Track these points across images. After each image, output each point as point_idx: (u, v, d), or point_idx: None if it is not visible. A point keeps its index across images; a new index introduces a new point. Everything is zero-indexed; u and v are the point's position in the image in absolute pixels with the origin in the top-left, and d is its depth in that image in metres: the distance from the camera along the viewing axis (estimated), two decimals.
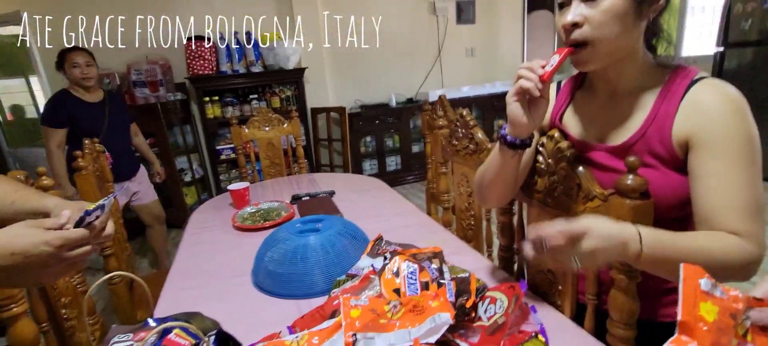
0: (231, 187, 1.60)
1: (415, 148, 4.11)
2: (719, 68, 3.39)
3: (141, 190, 2.41)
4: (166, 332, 0.57)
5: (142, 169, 2.47)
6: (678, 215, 0.69)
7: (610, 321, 0.73)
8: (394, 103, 3.99)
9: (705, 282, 0.41)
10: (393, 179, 3.95)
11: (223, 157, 3.56)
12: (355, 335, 0.67)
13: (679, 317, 0.41)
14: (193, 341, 0.43)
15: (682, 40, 4.01)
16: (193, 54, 3.24)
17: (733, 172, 0.60)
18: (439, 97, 1.82)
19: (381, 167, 4.05)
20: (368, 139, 3.98)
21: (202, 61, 3.27)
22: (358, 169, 3.91)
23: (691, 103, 0.65)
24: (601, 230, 0.56)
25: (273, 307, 0.94)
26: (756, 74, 3.18)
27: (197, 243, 1.33)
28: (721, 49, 3.36)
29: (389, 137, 4.05)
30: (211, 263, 1.19)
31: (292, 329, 0.79)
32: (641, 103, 0.71)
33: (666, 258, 0.58)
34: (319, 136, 3.87)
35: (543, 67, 0.68)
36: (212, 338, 0.47)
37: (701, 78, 0.67)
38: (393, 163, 4.12)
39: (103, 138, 2.04)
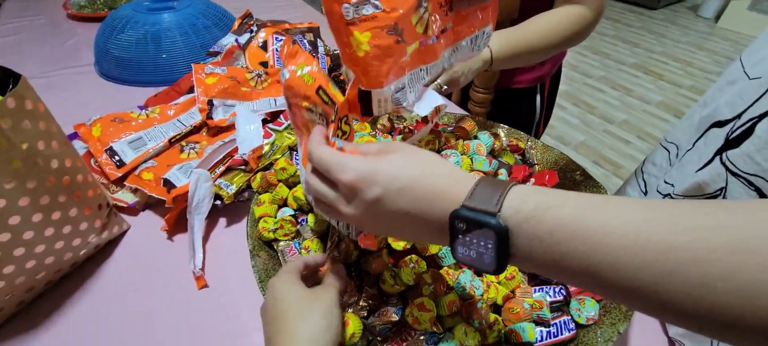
0: None
1: None
2: None
3: None
4: None
5: None
6: None
7: (472, 89, 0.78)
8: None
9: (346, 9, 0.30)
10: None
11: None
12: (210, 100, 0.62)
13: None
14: None
15: None
16: None
17: None
18: None
19: None
20: None
21: None
22: None
23: None
24: None
25: (126, 93, 0.81)
26: None
27: (16, 32, 1.04)
28: None
29: None
30: (41, 53, 0.95)
31: (143, 107, 0.70)
32: None
33: (516, 52, 0.61)
34: None
35: None
36: None
37: None
38: None
39: None
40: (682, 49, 2.92)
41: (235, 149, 0.57)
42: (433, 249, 0.39)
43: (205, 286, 0.48)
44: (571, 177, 0.55)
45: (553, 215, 0.22)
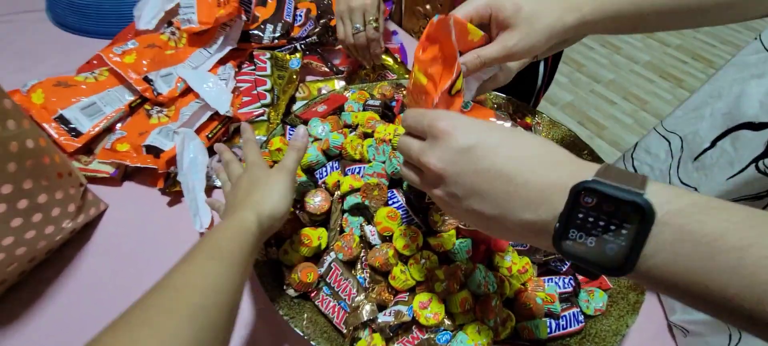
0: None
1: None
2: None
3: None
4: None
5: None
6: None
7: None
8: None
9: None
10: None
11: None
12: (146, 77, 0.56)
13: None
14: None
15: None
16: None
17: None
18: None
19: None
20: None
21: None
22: None
23: None
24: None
25: (86, 46, 0.72)
26: None
27: None
28: None
29: None
30: None
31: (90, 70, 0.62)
32: None
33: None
34: None
35: None
36: None
37: None
38: None
39: None
40: None
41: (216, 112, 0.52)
42: (447, 245, 0.37)
43: None
44: (578, 156, 0.53)
45: (721, 217, 0.17)
